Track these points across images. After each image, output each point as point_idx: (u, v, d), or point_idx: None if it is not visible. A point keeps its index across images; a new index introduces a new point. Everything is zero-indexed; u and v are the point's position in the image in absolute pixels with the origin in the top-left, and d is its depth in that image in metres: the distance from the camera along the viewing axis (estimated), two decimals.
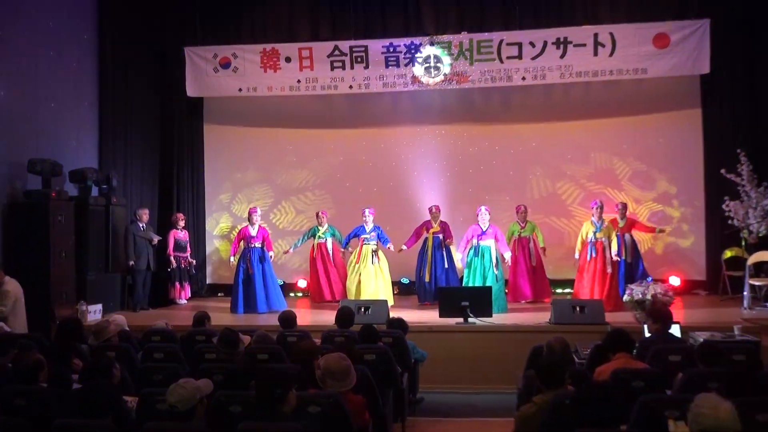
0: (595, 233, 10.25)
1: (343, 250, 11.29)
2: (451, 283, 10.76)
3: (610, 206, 11.16)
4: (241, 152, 13.13)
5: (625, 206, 11.20)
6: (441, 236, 11.03)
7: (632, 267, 10.95)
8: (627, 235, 11.04)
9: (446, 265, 10.93)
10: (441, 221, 11.21)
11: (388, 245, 10.89)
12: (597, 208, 10.34)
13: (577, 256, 10.46)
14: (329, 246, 11.51)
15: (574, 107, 12.35)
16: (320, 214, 11.69)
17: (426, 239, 11.07)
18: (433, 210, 11.21)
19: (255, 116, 12.97)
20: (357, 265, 10.80)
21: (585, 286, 10.18)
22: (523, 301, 10.97)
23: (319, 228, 11.61)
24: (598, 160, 12.43)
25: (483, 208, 10.62)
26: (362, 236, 10.93)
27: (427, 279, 10.97)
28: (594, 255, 10.17)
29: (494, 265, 10.32)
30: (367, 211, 11.01)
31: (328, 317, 9.23)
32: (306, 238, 11.73)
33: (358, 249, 10.90)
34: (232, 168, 13.17)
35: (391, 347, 6.43)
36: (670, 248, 12.13)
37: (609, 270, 10.10)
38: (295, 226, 12.92)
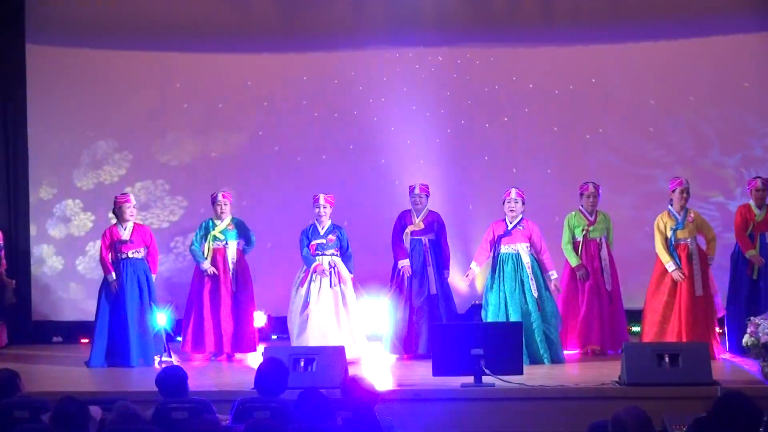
0: (675, 230, 10.34)
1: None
2: (445, 318, 10.75)
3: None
4: (95, 93, 13.04)
5: (759, 185, 11.13)
6: (425, 239, 10.97)
7: None
8: None
9: (433, 289, 10.85)
10: (431, 213, 11.11)
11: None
12: (680, 191, 10.42)
13: (673, 266, 10.32)
14: (230, 255, 11.24)
15: (665, 11, 12.52)
16: (220, 196, 11.28)
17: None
18: (416, 192, 11.07)
19: (117, 30, 12.89)
20: (301, 290, 10.76)
21: (671, 318, 10.28)
22: (583, 350, 10.94)
23: (216, 222, 11.36)
24: (714, 104, 12.57)
25: (514, 191, 10.61)
26: (314, 242, 10.84)
27: (399, 314, 10.88)
28: (677, 266, 10.30)
29: (532, 283, 10.35)
30: (322, 198, 10.85)
31: (241, 377, 9.25)
32: (200, 240, 11.39)
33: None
34: (79, 121, 13.06)
35: (351, 428, 6.32)
36: None
37: (698, 291, 10.21)
38: (180, 220, 12.88)
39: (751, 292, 10.84)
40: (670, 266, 10.39)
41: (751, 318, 9.45)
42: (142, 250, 10.92)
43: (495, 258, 10.46)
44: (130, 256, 10.83)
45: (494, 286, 10.42)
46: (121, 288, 10.76)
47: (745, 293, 10.83)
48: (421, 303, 10.90)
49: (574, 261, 10.80)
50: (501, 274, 10.41)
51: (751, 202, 11.03)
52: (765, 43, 12.42)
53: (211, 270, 10.98)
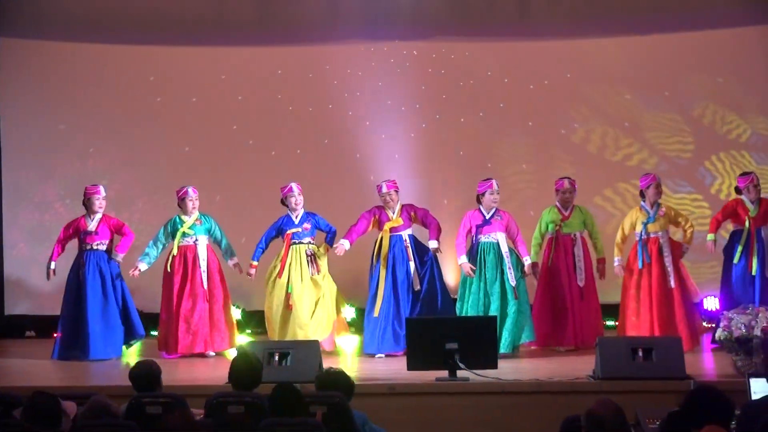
0: (646, 224, 10.40)
1: (234, 263, 11.02)
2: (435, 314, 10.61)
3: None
4: (67, 86, 13.01)
5: (756, 180, 11.11)
6: (405, 234, 10.87)
7: None
8: (765, 230, 11.04)
9: (416, 285, 10.66)
10: (406, 206, 10.91)
11: (335, 247, 10.67)
12: (654, 186, 10.50)
13: (616, 262, 10.56)
14: (201, 252, 11.07)
15: (639, 7, 12.57)
16: (191, 191, 11.11)
17: (380, 241, 10.90)
18: (384, 191, 10.82)
19: (90, 23, 12.84)
20: (280, 281, 10.69)
21: (640, 314, 10.31)
22: (558, 347, 10.87)
23: (184, 219, 11.21)
24: (693, 100, 12.61)
25: (495, 182, 10.61)
26: (289, 231, 10.82)
27: (375, 313, 10.65)
28: (648, 261, 10.34)
29: (510, 272, 10.35)
30: (294, 187, 10.82)
31: (215, 372, 9.27)
32: (163, 239, 11.21)
33: (282, 253, 10.79)
34: (52, 114, 13.01)
35: (326, 422, 6.36)
36: None
37: (672, 283, 10.27)
38: (153, 214, 12.73)
39: (746, 287, 10.75)
40: (615, 261, 10.61)
41: (725, 312, 9.43)
42: (107, 242, 10.88)
43: (474, 248, 10.45)
44: (95, 247, 10.82)
45: (475, 274, 10.42)
46: (84, 279, 10.72)
47: (740, 288, 10.75)
48: (403, 300, 10.74)
49: (533, 256, 10.79)
50: (482, 263, 10.40)
51: (743, 198, 11.05)
52: (738, 38, 12.48)
53: (135, 274, 10.88)
